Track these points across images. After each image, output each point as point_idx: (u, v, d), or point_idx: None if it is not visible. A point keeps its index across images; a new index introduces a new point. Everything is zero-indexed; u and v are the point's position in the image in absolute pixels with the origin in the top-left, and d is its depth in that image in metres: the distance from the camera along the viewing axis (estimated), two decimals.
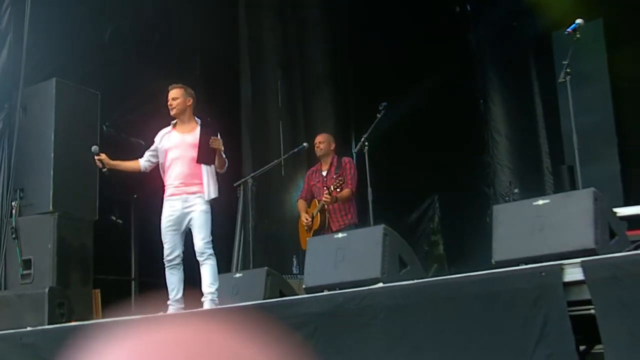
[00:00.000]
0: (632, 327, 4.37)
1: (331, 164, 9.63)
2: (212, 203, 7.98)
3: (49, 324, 8.10)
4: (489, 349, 4.91)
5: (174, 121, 8.13)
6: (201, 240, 7.72)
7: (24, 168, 9.69)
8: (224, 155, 8.02)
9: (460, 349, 5.03)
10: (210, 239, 7.80)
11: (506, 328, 4.85)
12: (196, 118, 8.13)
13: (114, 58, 11.04)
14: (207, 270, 7.71)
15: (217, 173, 8.04)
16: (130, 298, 11.52)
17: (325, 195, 9.17)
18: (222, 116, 10.90)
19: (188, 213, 7.83)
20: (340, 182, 9.17)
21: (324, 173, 9.66)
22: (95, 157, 8.09)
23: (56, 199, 9.34)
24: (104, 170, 8.10)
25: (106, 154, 9.04)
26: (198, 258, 7.74)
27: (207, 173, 7.86)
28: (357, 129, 12.73)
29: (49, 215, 9.33)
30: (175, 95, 8.05)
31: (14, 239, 9.38)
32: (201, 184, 7.83)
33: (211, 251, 7.76)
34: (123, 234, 11.55)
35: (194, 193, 7.83)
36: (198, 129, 8.02)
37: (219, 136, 7.95)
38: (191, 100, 8.10)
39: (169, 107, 8.06)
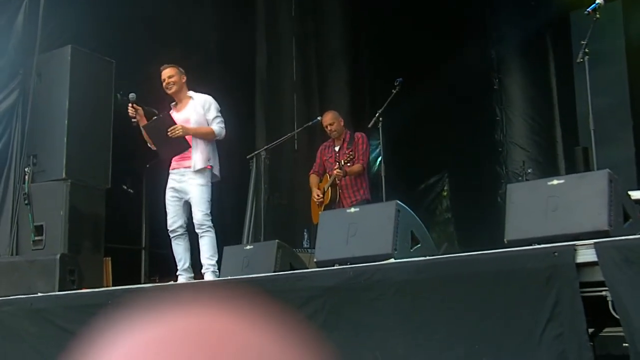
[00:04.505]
0: None
1: (344, 139, 9.62)
2: (222, 175, 8.04)
3: (59, 291, 8.13)
4: (498, 327, 4.91)
5: (173, 103, 8.19)
6: (199, 212, 7.80)
7: (37, 134, 9.70)
8: (213, 126, 8.03)
9: (470, 327, 5.03)
10: (208, 211, 7.86)
11: (516, 307, 4.85)
12: (190, 93, 8.19)
13: (130, 27, 11.00)
14: (206, 243, 7.81)
15: (215, 143, 8.10)
16: (140, 267, 11.56)
17: (336, 170, 9.17)
18: (236, 89, 10.91)
19: (185, 186, 7.90)
20: (351, 157, 9.17)
21: (337, 148, 9.65)
22: (131, 105, 8.05)
23: (69, 166, 9.36)
24: (134, 120, 8.05)
25: (118, 123, 9.09)
26: (197, 230, 7.85)
27: (196, 144, 7.90)
28: (372, 104, 12.68)
29: (62, 182, 9.35)
30: (172, 73, 8.13)
31: (26, 204, 9.41)
32: (189, 151, 7.91)
33: (210, 223, 7.85)
34: (134, 204, 11.57)
35: (188, 167, 7.91)
36: (190, 103, 8.09)
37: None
38: (185, 77, 8.18)
39: (166, 86, 8.11)
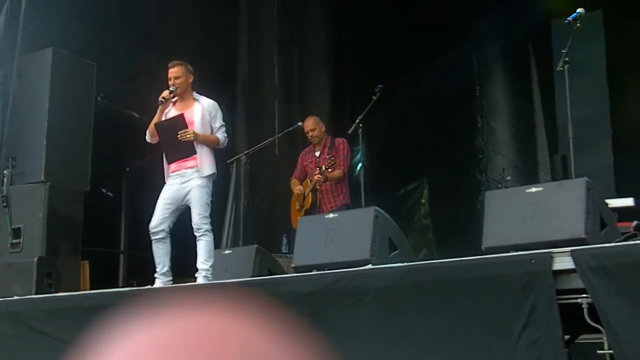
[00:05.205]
0: (620, 316, 4.39)
1: (325, 144, 9.63)
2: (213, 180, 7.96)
3: (36, 294, 8.09)
4: (475, 333, 4.93)
5: (174, 99, 8.05)
6: (197, 215, 7.70)
7: (17, 136, 9.63)
8: (218, 135, 7.97)
9: (447, 332, 5.05)
10: (207, 214, 7.76)
11: (494, 313, 4.87)
12: (194, 94, 8.07)
13: (112, 29, 10.98)
14: (202, 247, 7.69)
15: (214, 149, 8.03)
16: (118, 271, 11.53)
17: (317, 175, 9.18)
18: (218, 92, 10.91)
19: (186, 187, 7.80)
20: (332, 162, 9.18)
21: (317, 153, 9.66)
22: (169, 92, 7.92)
23: (48, 168, 9.30)
24: (161, 100, 7.84)
25: (100, 125, 9.02)
26: (195, 233, 7.73)
27: (202, 150, 7.82)
28: (353, 108, 12.71)
29: (41, 185, 9.29)
30: (178, 74, 7.94)
31: (4, 207, 9.35)
32: (194, 156, 7.80)
33: (207, 227, 7.73)
34: (113, 207, 11.53)
35: (190, 168, 7.81)
36: (195, 105, 7.98)
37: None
38: (192, 77, 8.04)
39: (171, 86, 7.95)
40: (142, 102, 8.49)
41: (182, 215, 7.93)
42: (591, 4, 9.85)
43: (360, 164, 9.72)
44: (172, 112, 8.02)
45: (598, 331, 4.51)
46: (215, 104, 8.09)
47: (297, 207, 9.65)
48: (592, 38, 11.19)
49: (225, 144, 8.12)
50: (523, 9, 12.50)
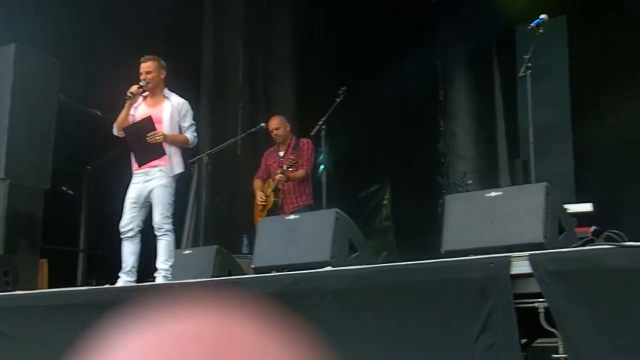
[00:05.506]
0: (576, 321, 4.42)
1: (289, 144, 9.63)
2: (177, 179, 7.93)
3: None
4: (433, 336, 4.94)
5: (145, 94, 7.98)
6: (159, 215, 7.68)
7: None
8: (187, 135, 7.93)
9: (406, 334, 5.06)
10: (169, 214, 7.74)
11: (452, 316, 4.89)
12: (165, 91, 8.01)
13: (76, 27, 10.89)
14: (163, 246, 7.68)
15: (182, 148, 8.01)
16: (77, 269, 11.44)
17: (279, 174, 9.19)
18: (182, 91, 10.88)
19: (149, 186, 7.76)
20: (294, 162, 9.18)
21: (281, 153, 9.67)
22: (139, 87, 7.83)
23: (9, 166, 9.23)
24: (129, 94, 7.78)
25: (62, 123, 8.94)
26: (155, 233, 7.70)
27: (169, 148, 7.79)
28: (318, 111, 12.71)
29: (1, 182, 9.21)
30: (150, 69, 7.87)
31: None
32: (163, 157, 7.76)
33: (169, 227, 7.72)
34: (73, 205, 11.44)
35: (155, 166, 7.77)
36: (165, 103, 7.92)
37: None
38: (164, 73, 7.98)
39: (142, 81, 7.87)
40: (105, 99, 8.42)
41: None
42: (555, 10, 9.92)
43: (322, 166, 9.72)
44: (141, 107, 7.97)
45: (554, 335, 4.54)
46: (186, 103, 8.07)
47: (260, 208, 9.64)
48: (555, 44, 11.26)
49: (195, 143, 8.10)
50: (487, 14, 12.54)
